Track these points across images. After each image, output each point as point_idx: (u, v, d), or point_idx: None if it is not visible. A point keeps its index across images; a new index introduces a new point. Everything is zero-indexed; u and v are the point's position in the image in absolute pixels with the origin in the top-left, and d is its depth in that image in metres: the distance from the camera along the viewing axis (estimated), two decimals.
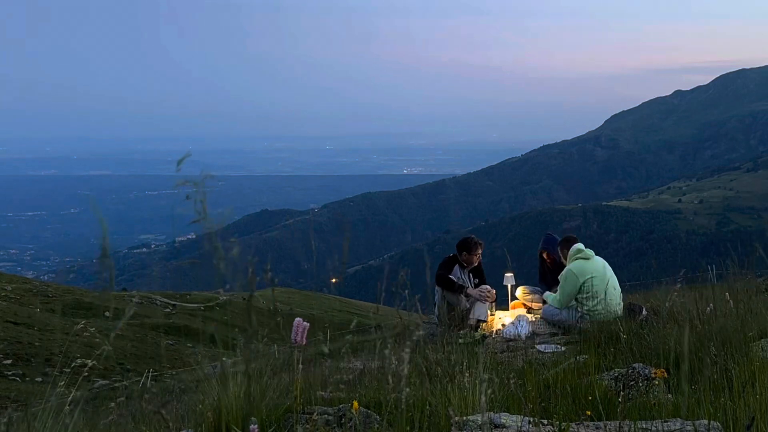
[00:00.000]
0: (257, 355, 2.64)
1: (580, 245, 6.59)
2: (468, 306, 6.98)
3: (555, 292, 6.99)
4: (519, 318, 6.86)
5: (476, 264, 7.33)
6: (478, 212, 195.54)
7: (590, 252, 6.55)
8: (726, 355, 3.15)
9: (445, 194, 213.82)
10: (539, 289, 7.56)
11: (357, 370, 4.36)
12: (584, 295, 6.32)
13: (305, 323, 2.13)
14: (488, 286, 7.12)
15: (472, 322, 6.87)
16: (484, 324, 6.98)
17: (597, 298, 6.24)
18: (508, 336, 6.46)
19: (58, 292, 32.53)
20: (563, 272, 6.56)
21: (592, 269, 6.37)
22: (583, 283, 6.31)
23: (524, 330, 6.49)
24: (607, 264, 6.59)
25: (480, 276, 7.34)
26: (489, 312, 7.12)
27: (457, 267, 7.23)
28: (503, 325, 7.00)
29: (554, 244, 7.35)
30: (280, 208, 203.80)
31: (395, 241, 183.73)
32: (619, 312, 6.19)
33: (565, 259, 6.73)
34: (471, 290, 7.03)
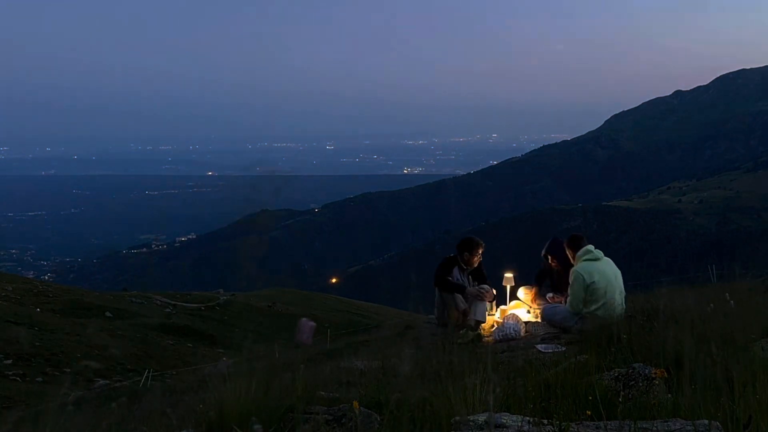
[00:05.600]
0: (258, 354, 2.65)
1: (589, 246, 6.51)
2: (465, 307, 6.97)
3: (564, 294, 6.96)
4: (507, 318, 6.86)
5: (476, 265, 7.31)
6: (478, 212, 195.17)
7: (599, 253, 6.48)
8: (727, 355, 3.16)
9: (445, 194, 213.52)
10: (544, 290, 7.51)
11: (358, 369, 4.37)
12: (589, 298, 6.26)
13: (311, 323, 2.12)
14: (487, 286, 7.11)
15: (470, 322, 6.87)
16: (482, 324, 6.99)
17: (600, 301, 6.18)
18: (497, 338, 6.47)
19: (58, 292, 32.52)
20: (571, 275, 6.48)
21: (599, 271, 6.31)
22: (590, 284, 6.24)
23: (510, 330, 6.50)
24: (614, 265, 6.51)
25: (481, 278, 7.32)
26: (487, 312, 7.12)
27: (456, 269, 7.21)
28: (497, 322, 7.02)
29: (561, 248, 7.16)
30: (280, 208, 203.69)
31: (395, 241, 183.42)
32: (621, 314, 6.12)
33: (573, 260, 6.65)
34: (469, 289, 7.02)
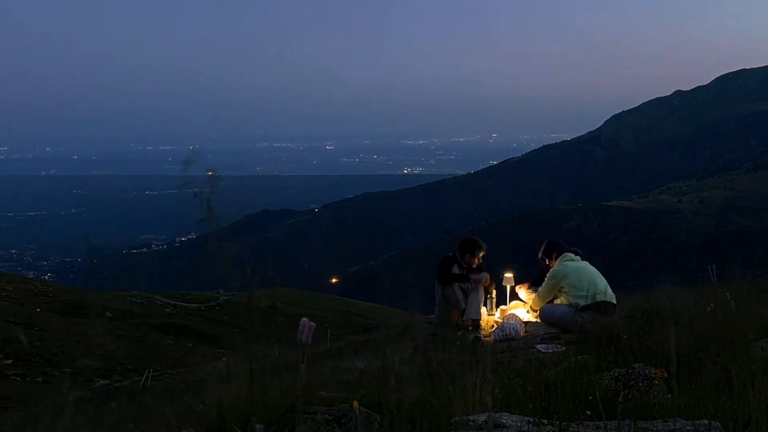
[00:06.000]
0: (259, 354, 2.65)
1: (568, 254, 6.82)
2: (465, 306, 6.98)
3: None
4: (507, 318, 6.88)
5: (475, 266, 7.34)
6: (478, 212, 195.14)
7: (577, 258, 6.81)
8: (726, 355, 3.16)
9: (445, 194, 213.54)
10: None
11: (358, 369, 4.37)
12: (569, 289, 6.51)
13: (311, 323, 2.12)
14: (487, 274, 7.23)
15: (467, 322, 6.88)
16: (480, 322, 6.99)
17: (585, 288, 6.42)
18: (497, 338, 6.49)
19: (58, 292, 32.54)
20: (549, 272, 6.84)
21: (573, 266, 6.67)
22: (562, 278, 6.58)
23: (510, 330, 6.52)
24: (590, 265, 6.83)
25: None
26: (487, 312, 7.13)
27: (456, 267, 7.23)
28: (497, 322, 7.04)
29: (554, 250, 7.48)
30: (280, 208, 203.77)
31: (395, 241, 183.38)
32: (612, 299, 6.38)
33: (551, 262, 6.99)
34: (473, 276, 7.12)
